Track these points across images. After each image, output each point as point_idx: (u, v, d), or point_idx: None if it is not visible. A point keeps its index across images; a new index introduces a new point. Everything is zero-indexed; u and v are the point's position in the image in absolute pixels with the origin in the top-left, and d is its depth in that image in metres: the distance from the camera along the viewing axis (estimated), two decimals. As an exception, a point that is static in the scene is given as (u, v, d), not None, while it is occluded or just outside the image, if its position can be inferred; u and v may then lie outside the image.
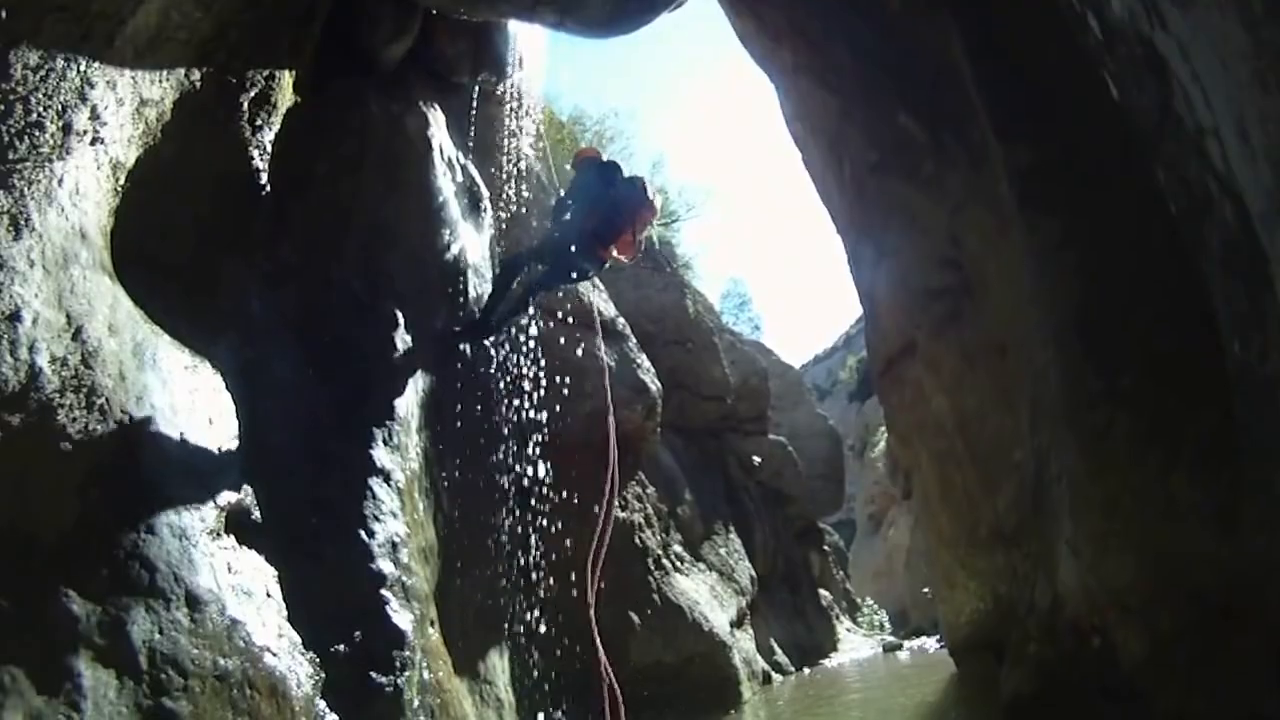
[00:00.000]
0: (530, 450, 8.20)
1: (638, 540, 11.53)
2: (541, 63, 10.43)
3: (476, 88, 9.30)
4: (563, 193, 8.26)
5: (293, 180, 6.27)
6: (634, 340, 12.70)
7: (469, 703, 6.28)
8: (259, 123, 5.88)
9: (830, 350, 66.20)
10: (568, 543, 8.11)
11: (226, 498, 4.46)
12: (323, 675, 4.49)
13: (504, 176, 9.36)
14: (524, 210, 9.57)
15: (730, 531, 16.12)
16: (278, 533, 4.72)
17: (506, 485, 7.99)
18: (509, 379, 8.16)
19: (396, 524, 5.77)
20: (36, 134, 3.78)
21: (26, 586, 3.29)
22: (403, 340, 6.71)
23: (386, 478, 5.93)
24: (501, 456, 8.04)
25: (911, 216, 9.08)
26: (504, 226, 9.26)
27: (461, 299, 7.78)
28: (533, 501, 8.03)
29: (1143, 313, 5.05)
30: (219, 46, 5.18)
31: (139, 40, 4.36)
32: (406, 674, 5.09)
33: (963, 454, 9.28)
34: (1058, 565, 5.75)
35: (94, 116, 4.15)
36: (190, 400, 4.52)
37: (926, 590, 19.60)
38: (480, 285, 8.18)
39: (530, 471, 8.12)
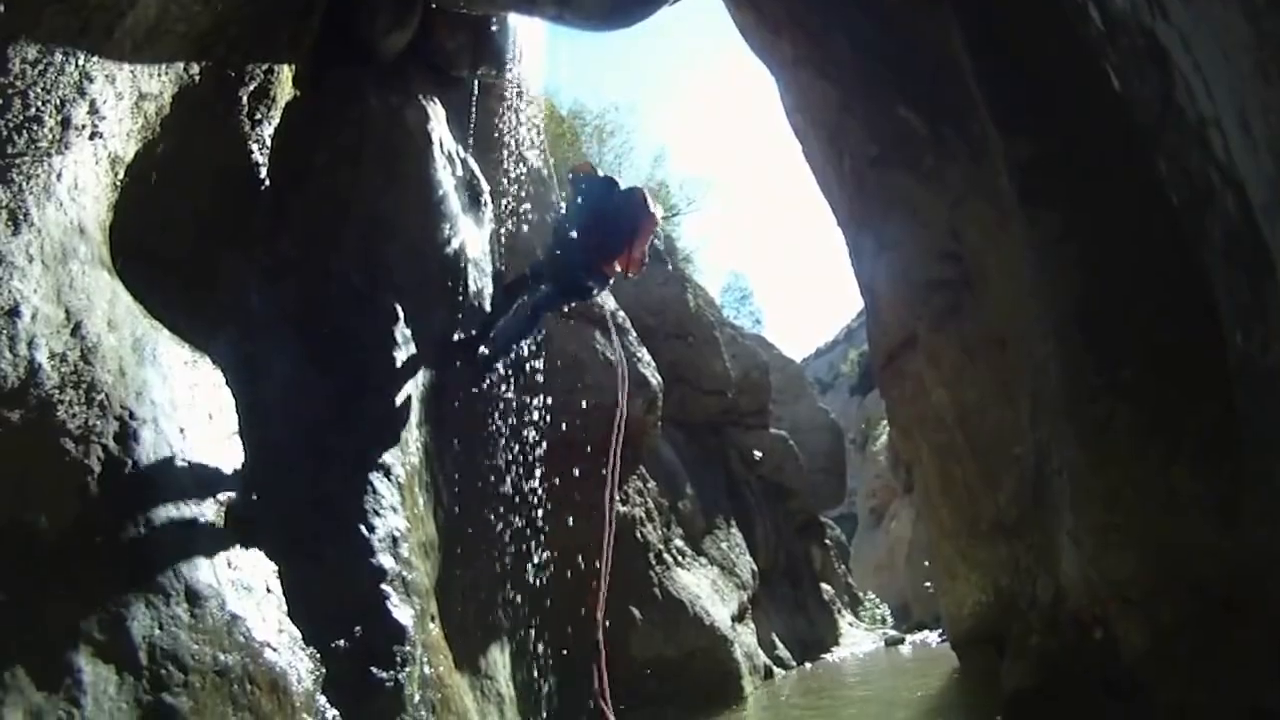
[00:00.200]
0: (530, 445, 8.19)
1: (639, 535, 11.54)
2: (541, 56, 10.40)
3: (476, 81, 9.27)
4: (563, 209, 8.21)
5: (292, 174, 6.26)
6: (634, 334, 12.70)
7: (470, 698, 6.28)
8: (258, 117, 5.87)
9: (831, 344, 66.30)
10: (569, 537, 8.11)
11: (226, 493, 4.45)
12: (323, 670, 4.47)
13: (504, 172, 9.32)
14: (528, 223, 9.50)
15: (731, 526, 16.13)
16: (277, 528, 4.71)
17: (506, 479, 7.98)
18: (509, 372, 8.14)
19: (397, 519, 5.76)
20: (35, 128, 3.76)
21: (26, 582, 3.27)
22: (402, 334, 6.69)
23: (386, 472, 5.92)
24: (502, 450, 8.03)
25: (912, 209, 9.07)
26: (509, 240, 9.20)
27: (462, 293, 7.76)
28: (533, 496, 8.01)
29: (1144, 305, 5.05)
30: (218, 40, 5.16)
31: (137, 34, 4.35)
32: (407, 669, 5.08)
33: (963, 447, 9.29)
34: (1059, 558, 5.75)
35: (93, 111, 4.13)
36: (190, 395, 4.50)
37: (928, 584, 19.61)
38: (480, 279, 8.16)
39: (530, 466, 8.11)
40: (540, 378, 8.30)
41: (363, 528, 5.49)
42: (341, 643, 4.78)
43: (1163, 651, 4.66)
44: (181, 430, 4.28)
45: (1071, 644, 5.50)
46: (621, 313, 12.41)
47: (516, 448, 8.12)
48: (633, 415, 11.11)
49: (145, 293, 4.47)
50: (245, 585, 4.27)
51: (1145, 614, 4.78)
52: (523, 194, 9.50)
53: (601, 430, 7.58)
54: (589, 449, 7.83)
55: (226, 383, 4.92)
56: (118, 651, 3.43)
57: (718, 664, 11.46)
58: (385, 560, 5.46)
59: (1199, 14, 3.31)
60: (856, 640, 22.99)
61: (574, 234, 7.11)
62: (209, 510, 4.24)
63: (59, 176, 3.90)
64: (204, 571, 4.02)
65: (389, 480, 5.90)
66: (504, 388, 8.06)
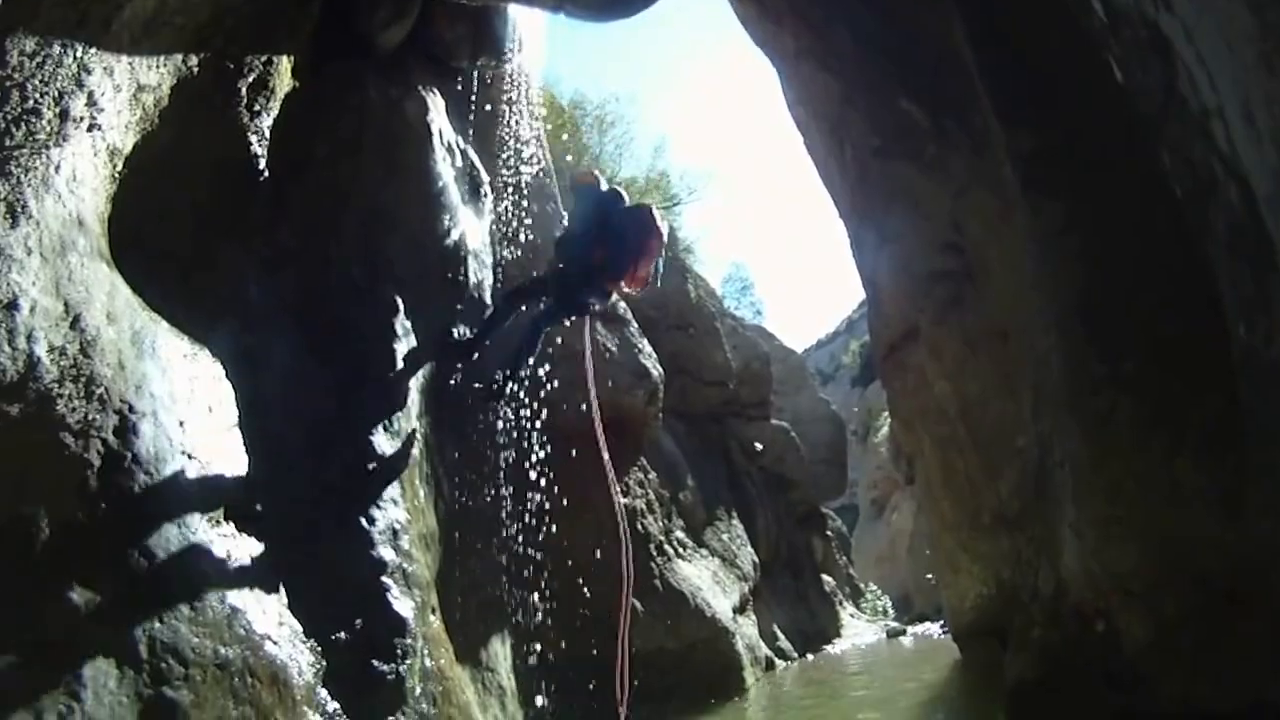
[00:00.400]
0: (529, 436, 8.19)
1: (640, 526, 11.52)
2: (541, 47, 10.35)
3: (476, 72, 9.24)
4: (565, 221, 8.09)
5: (291, 165, 6.24)
6: (635, 325, 12.67)
7: (471, 690, 6.29)
8: (257, 108, 5.85)
9: (833, 335, 66.17)
10: (567, 528, 8.12)
11: (226, 486, 4.45)
12: (324, 663, 4.48)
13: (503, 164, 9.30)
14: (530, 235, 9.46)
15: (732, 517, 16.12)
16: (277, 520, 4.70)
17: (506, 471, 7.98)
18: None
19: (397, 511, 5.76)
20: (33, 120, 3.75)
21: (26, 576, 3.28)
22: (403, 326, 6.69)
23: (386, 463, 5.92)
24: (501, 442, 8.03)
25: (914, 201, 9.05)
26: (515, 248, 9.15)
27: (462, 284, 7.75)
28: (532, 488, 8.01)
29: (1146, 297, 5.03)
30: (216, 32, 5.14)
31: (135, 26, 4.33)
32: (408, 661, 5.09)
33: (965, 439, 9.28)
34: (1061, 550, 5.74)
35: (91, 103, 4.12)
36: (190, 388, 4.50)
37: (930, 576, 19.63)
38: (480, 271, 8.14)
39: (530, 457, 8.11)
40: (540, 371, 8.27)
41: (363, 520, 5.49)
42: (342, 635, 4.79)
43: (1165, 644, 4.66)
44: (181, 423, 4.28)
45: (1073, 636, 5.49)
46: (622, 303, 12.39)
47: (517, 439, 8.12)
48: (633, 406, 11.14)
49: (144, 284, 4.46)
50: (245, 578, 4.27)
51: (1147, 606, 4.78)
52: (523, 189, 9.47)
53: (602, 421, 7.55)
54: (587, 440, 7.79)
55: (226, 375, 4.92)
56: (117, 645, 3.43)
57: (719, 655, 11.45)
58: (386, 552, 5.46)
59: (1202, 5, 3.30)
60: (858, 632, 22.98)
61: (578, 250, 6.95)
62: (209, 503, 4.24)
63: (57, 169, 3.89)
64: (203, 564, 4.03)
65: (389, 472, 5.90)
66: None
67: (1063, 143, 5.72)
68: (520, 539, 7.89)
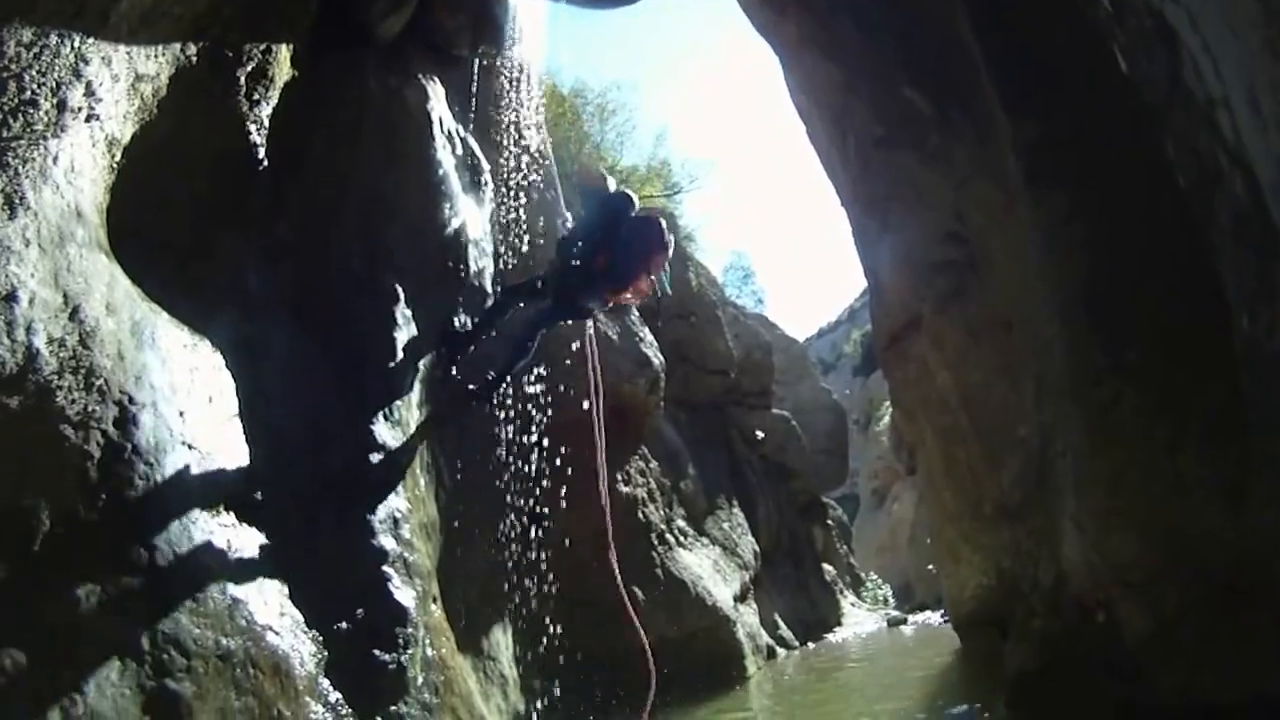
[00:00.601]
0: (530, 424, 8.18)
1: (641, 515, 11.55)
2: (542, 35, 10.28)
3: (476, 61, 9.20)
4: (567, 217, 8.00)
5: (290, 154, 6.21)
6: (637, 313, 12.66)
7: (473, 680, 6.30)
8: (256, 97, 5.81)
9: (834, 324, 66.11)
10: (567, 515, 8.12)
11: (226, 476, 4.44)
12: (326, 653, 4.49)
13: (505, 154, 9.26)
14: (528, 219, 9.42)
15: (733, 506, 16.15)
16: (278, 510, 4.71)
17: (507, 460, 7.97)
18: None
19: (398, 500, 5.76)
20: (31, 111, 3.72)
21: (27, 569, 3.27)
22: (403, 315, 6.66)
23: (386, 453, 5.91)
24: (502, 431, 8.02)
25: (917, 191, 9.02)
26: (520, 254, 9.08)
27: (463, 273, 7.72)
28: (533, 476, 8.01)
29: (1150, 287, 5.01)
30: (214, 21, 5.10)
31: (133, 16, 4.30)
32: (409, 651, 5.10)
33: (967, 429, 9.26)
34: (1062, 541, 5.73)
35: (89, 93, 4.09)
36: (190, 379, 4.49)
37: (930, 566, 19.65)
38: (481, 259, 8.11)
39: (531, 446, 8.10)
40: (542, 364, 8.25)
41: (363, 509, 5.49)
42: (344, 625, 4.79)
43: (1166, 635, 4.65)
44: (181, 414, 4.27)
45: (1074, 627, 5.49)
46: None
47: (518, 428, 8.12)
48: (635, 395, 11.13)
49: (142, 275, 4.44)
50: (246, 568, 4.27)
51: (1148, 598, 4.77)
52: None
53: (605, 409, 7.54)
54: (587, 427, 7.78)
55: (226, 365, 4.91)
56: (119, 638, 3.43)
57: (720, 644, 11.50)
58: (386, 542, 5.46)
59: (1208, -8, 3.28)
60: (859, 621, 23.03)
61: (580, 254, 6.84)
62: (209, 494, 4.24)
63: (55, 160, 3.87)
64: (204, 555, 4.02)
65: (390, 461, 5.89)
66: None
67: (1067, 132, 5.70)
68: (521, 526, 7.89)
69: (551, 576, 7.93)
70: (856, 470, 38.44)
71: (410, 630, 5.18)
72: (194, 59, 5.02)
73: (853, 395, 45.52)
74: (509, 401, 8.01)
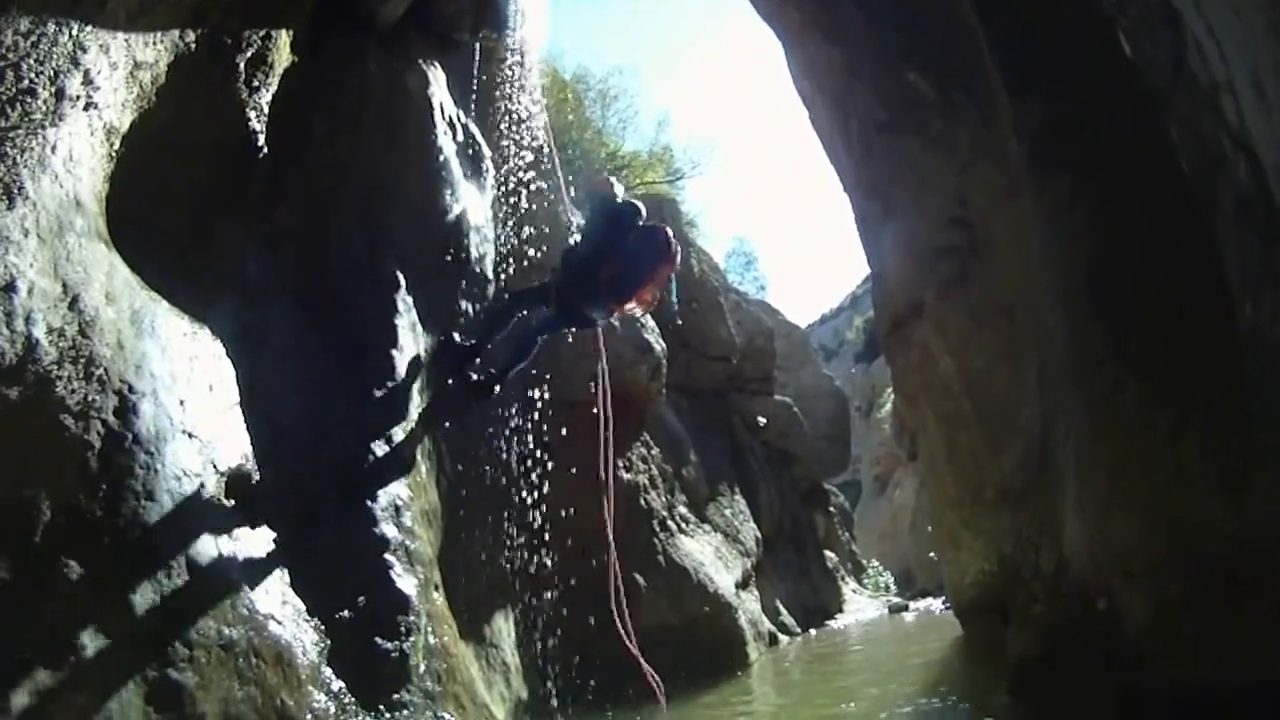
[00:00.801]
0: (532, 411, 8.17)
1: (643, 501, 11.56)
2: (543, 20, 10.24)
3: (478, 46, 9.16)
4: (576, 232, 7.93)
5: (290, 141, 6.19)
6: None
7: (475, 667, 6.31)
8: (255, 84, 5.79)
9: (837, 310, 66.06)
10: (571, 502, 8.12)
11: (227, 464, 4.44)
12: (328, 642, 4.50)
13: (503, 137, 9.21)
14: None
15: (735, 492, 16.17)
16: (279, 498, 4.71)
17: (509, 446, 7.97)
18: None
19: (399, 487, 5.77)
20: (29, 100, 3.71)
21: (29, 558, 3.28)
22: (404, 301, 6.65)
23: (388, 440, 5.91)
24: (503, 417, 8.01)
25: (920, 176, 8.98)
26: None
27: (464, 260, 7.70)
28: (535, 463, 8.01)
29: (1154, 274, 4.97)
30: (213, 7, 5.07)
31: (131, 3, 4.27)
32: (412, 639, 5.10)
33: (969, 415, 9.24)
34: (1063, 527, 5.73)
35: (87, 81, 4.07)
36: (190, 367, 4.48)
37: (932, 553, 19.68)
38: (483, 246, 8.10)
39: (532, 432, 8.09)
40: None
41: (365, 497, 5.49)
42: (345, 613, 4.80)
43: (1167, 624, 4.64)
44: (181, 402, 4.27)
45: (1075, 614, 5.49)
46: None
47: (520, 414, 8.11)
48: (636, 381, 11.12)
49: (142, 264, 4.43)
50: (248, 557, 4.27)
51: (1149, 586, 4.76)
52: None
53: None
54: (590, 413, 7.77)
55: (226, 353, 4.90)
56: (121, 627, 3.43)
57: (722, 631, 11.52)
58: (388, 529, 5.47)
59: (1212, -25, 3.25)
60: (860, 607, 23.10)
61: (585, 263, 6.77)
62: (210, 483, 4.24)
63: (54, 149, 3.85)
64: (206, 545, 4.02)
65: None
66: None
67: (1071, 117, 5.66)
68: (523, 513, 7.89)
69: (553, 562, 7.95)
70: (858, 456, 38.47)
71: (412, 618, 5.18)
72: (193, 46, 4.99)
73: (855, 381, 45.51)
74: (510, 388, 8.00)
